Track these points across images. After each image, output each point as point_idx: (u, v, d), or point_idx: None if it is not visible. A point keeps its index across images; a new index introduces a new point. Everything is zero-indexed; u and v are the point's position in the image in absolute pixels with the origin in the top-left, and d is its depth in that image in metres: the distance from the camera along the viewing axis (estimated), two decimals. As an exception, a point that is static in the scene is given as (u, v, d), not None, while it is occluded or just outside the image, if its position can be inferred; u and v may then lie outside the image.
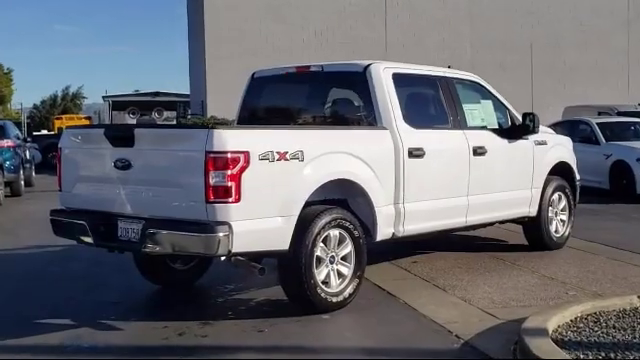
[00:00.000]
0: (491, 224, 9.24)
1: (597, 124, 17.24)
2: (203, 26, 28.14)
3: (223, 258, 6.25)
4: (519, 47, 29.61)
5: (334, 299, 6.79)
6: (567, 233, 10.00)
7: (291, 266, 6.57)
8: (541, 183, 9.46)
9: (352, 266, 6.97)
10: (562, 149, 10.11)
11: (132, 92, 56.27)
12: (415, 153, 7.57)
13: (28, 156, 21.95)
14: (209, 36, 27.97)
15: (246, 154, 6.10)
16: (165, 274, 7.89)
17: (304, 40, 28.35)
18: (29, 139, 25.51)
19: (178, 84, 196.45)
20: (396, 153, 7.43)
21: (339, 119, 7.97)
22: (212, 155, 5.99)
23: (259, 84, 8.68)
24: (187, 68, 37.50)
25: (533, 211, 9.37)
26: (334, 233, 6.82)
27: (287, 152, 6.41)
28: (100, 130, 6.89)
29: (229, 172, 6.00)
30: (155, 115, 47.55)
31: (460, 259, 9.17)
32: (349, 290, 6.92)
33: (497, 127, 8.94)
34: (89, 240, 6.83)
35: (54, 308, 7.28)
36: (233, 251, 6.09)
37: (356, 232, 6.97)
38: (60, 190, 7.31)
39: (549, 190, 9.59)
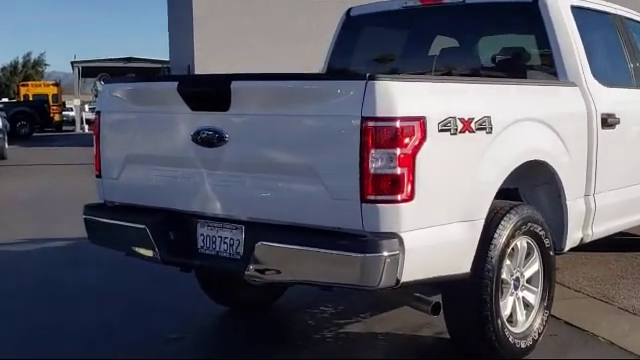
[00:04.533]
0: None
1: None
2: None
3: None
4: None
5: (522, 343, 4.45)
6: None
7: (470, 297, 4.20)
8: None
9: (540, 291, 4.65)
10: None
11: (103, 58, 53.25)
12: (609, 121, 5.23)
13: (0, 125, 19.20)
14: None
15: (422, 122, 3.71)
16: (235, 292, 5.51)
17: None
18: (0, 106, 22.71)
19: (150, 51, 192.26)
20: (589, 121, 5.08)
21: (493, 71, 5.57)
22: (373, 124, 3.58)
23: (358, 24, 6.22)
24: (161, 35, 34.73)
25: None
26: (522, 244, 4.48)
27: (472, 119, 4.02)
28: (171, 84, 4.33)
29: (399, 152, 3.61)
30: (127, 82, 44.70)
31: (608, 263, 6.88)
32: (537, 327, 4.60)
33: (672, 88, 6.64)
34: (150, 254, 4.36)
35: (88, 349, 4.87)
36: (403, 280, 3.71)
37: (547, 240, 4.62)
38: (98, 175, 4.78)
39: None
